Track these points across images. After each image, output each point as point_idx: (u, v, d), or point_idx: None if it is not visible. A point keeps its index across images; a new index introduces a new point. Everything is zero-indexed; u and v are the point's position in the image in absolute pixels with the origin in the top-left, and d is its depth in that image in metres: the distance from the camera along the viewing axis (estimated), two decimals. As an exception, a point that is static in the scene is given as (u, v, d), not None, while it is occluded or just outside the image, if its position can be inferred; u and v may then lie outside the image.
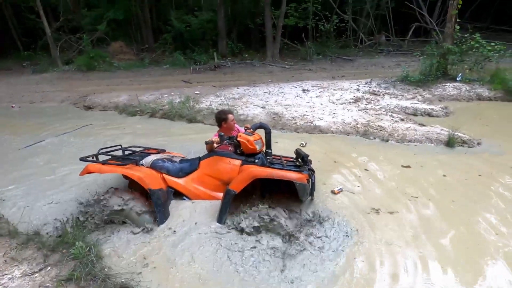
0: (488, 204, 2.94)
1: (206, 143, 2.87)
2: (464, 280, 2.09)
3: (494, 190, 3.17)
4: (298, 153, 2.95)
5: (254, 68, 12.60)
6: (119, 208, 2.61)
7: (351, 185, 3.36)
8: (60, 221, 2.75)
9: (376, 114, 5.79)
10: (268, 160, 2.88)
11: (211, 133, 5.31)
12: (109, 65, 12.85)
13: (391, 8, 16.39)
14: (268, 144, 2.98)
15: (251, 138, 2.86)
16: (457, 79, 7.50)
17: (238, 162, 2.87)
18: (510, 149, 4.17)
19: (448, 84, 7.39)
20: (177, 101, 7.19)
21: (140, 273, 2.24)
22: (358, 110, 6.07)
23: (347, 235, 2.52)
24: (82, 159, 2.84)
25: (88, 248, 2.41)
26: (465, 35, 7.37)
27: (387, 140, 4.72)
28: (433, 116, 5.87)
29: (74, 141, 5.15)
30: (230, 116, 3.24)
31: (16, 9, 16.61)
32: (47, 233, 2.73)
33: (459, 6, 7.21)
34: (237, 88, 8.42)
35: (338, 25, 15.32)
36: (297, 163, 2.91)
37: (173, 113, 6.41)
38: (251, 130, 3.07)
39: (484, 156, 4.02)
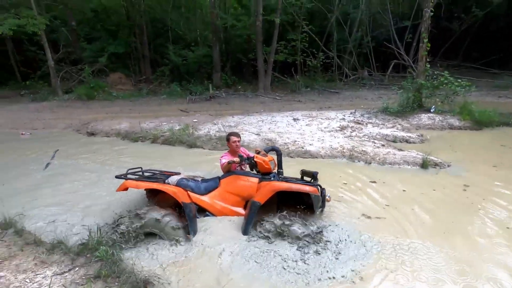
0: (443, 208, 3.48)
1: (229, 162, 3.31)
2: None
3: (447, 201, 3.75)
4: (305, 171, 3.45)
5: (247, 99, 13.40)
6: (158, 218, 2.88)
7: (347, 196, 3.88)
8: (87, 229, 3.04)
9: (360, 141, 6.43)
10: (281, 178, 3.33)
11: (211, 157, 5.82)
12: (108, 94, 13.43)
13: (372, 47, 17.99)
14: (280, 165, 3.43)
15: (266, 159, 3.29)
16: (431, 110, 8.36)
17: (255, 179, 3.29)
18: (472, 170, 4.80)
19: (424, 115, 8.22)
20: (176, 128, 7.69)
21: (166, 273, 2.55)
22: (344, 137, 6.71)
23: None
24: (117, 177, 3.22)
25: (112, 251, 2.76)
26: (436, 72, 8.35)
27: (370, 163, 5.30)
28: (410, 143, 6.55)
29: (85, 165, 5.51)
30: (231, 137, 3.65)
31: (17, 41, 17.36)
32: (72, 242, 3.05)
33: (428, 48, 8.25)
34: (233, 117, 9.04)
35: (324, 61, 16.61)
36: (308, 179, 3.38)
37: (174, 139, 6.89)
38: (265, 152, 3.50)
39: (449, 176, 4.65)
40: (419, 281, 2.43)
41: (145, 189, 3.45)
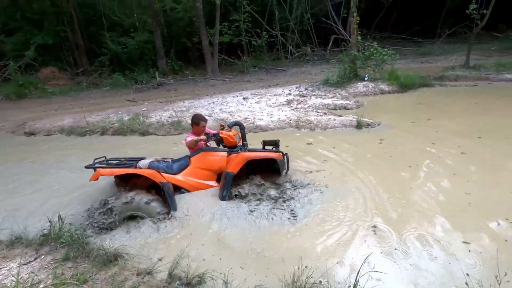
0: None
1: (196, 141, 3.50)
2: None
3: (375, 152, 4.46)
4: (266, 141, 3.80)
5: (196, 83, 13.30)
6: (128, 200, 3.04)
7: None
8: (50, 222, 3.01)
9: (305, 111, 6.99)
10: (246, 150, 3.59)
11: (165, 143, 5.92)
12: (43, 91, 12.27)
13: (313, 24, 18.76)
14: (244, 137, 3.69)
15: (231, 133, 3.52)
16: (365, 79, 9.27)
17: (224, 153, 3.55)
18: (397, 126, 5.65)
19: (359, 83, 9.11)
20: (125, 118, 7.51)
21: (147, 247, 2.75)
22: (291, 110, 7.22)
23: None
24: (87, 167, 3.31)
25: (77, 235, 2.87)
26: (366, 44, 9.21)
27: (314, 129, 5.88)
28: (348, 109, 7.31)
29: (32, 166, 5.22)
30: (202, 123, 3.79)
31: None
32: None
33: (357, 22, 9.03)
34: (183, 102, 9.03)
35: (268, 40, 16.95)
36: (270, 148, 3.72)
37: (124, 129, 6.76)
38: (228, 127, 3.70)
39: (377, 132, 5.45)
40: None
41: (115, 176, 3.53)
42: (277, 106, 7.58)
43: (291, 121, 6.28)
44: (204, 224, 3.02)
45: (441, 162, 4.00)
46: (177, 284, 2.27)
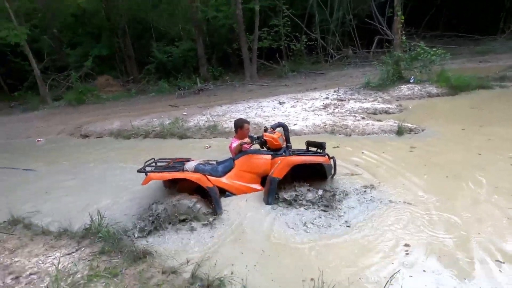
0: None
1: (240, 144, 3.50)
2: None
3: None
4: (310, 142, 3.66)
5: (235, 88, 13.61)
6: (191, 205, 3.08)
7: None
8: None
9: (341, 116, 6.73)
10: (290, 152, 3.52)
11: (201, 145, 6.12)
12: (98, 98, 13.58)
13: (355, 25, 18.11)
14: (288, 139, 3.64)
15: (275, 136, 3.46)
16: (410, 81, 8.65)
17: (268, 156, 3.48)
18: (444, 133, 5.15)
19: (403, 86, 8.52)
20: (166, 122, 7.95)
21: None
22: (327, 114, 7.01)
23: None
24: (139, 171, 3.34)
25: (113, 231, 3.08)
26: (412, 44, 8.61)
27: (350, 135, 5.63)
28: (390, 113, 6.87)
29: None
30: (245, 125, 3.80)
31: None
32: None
33: (402, 21, 8.48)
34: (221, 106, 9.28)
35: (307, 43, 16.74)
36: (312, 151, 3.59)
37: (165, 133, 7.16)
38: (272, 129, 3.66)
39: (420, 139, 5.02)
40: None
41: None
42: (312, 111, 7.41)
43: (326, 126, 6.09)
44: (246, 229, 2.97)
45: (486, 173, 3.54)
46: (198, 285, 2.31)
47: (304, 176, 3.46)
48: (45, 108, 13.31)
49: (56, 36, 16.13)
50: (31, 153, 7.16)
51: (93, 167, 5.48)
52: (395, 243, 2.58)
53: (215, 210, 3.19)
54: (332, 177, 3.58)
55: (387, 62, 8.95)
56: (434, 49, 8.34)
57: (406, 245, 2.54)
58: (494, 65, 11.53)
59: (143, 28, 18.28)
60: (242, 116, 7.71)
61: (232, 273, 2.41)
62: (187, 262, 2.63)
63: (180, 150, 6.02)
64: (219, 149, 5.49)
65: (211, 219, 3.12)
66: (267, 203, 3.22)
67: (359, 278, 2.24)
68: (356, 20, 18.07)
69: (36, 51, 17.00)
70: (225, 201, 3.35)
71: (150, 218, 3.15)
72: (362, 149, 4.68)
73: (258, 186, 3.51)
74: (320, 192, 3.27)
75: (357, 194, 3.35)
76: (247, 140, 3.48)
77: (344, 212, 3.07)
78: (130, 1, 15.93)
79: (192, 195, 3.27)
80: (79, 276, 2.52)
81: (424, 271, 2.26)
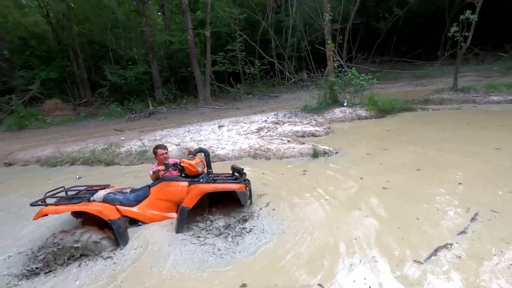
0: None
1: (154, 172, 3.41)
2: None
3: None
4: (234, 168, 3.65)
5: (187, 111, 13.61)
6: (75, 243, 2.82)
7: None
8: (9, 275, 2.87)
9: (270, 139, 6.88)
10: (211, 178, 3.48)
11: (125, 171, 5.96)
12: (42, 122, 13.00)
13: (310, 50, 19.12)
14: (209, 165, 3.57)
15: (192, 162, 3.36)
16: (344, 104, 9.12)
17: (185, 183, 3.36)
18: (352, 154, 5.41)
19: (337, 109, 8.95)
20: (100, 148, 7.70)
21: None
22: (257, 138, 7.13)
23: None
24: (32, 204, 3.00)
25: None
26: (343, 70, 9.15)
27: (270, 158, 5.74)
28: (316, 136, 7.13)
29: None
30: (159, 151, 3.70)
31: None
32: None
33: (333, 49, 9.06)
34: (162, 131, 9.18)
35: (261, 68, 17.36)
36: (235, 176, 3.58)
37: (92, 159, 6.91)
38: (192, 155, 3.59)
39: (328, 161, 5.23)
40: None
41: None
42: (245, 134, 7.52)
43: (251, 150, 6.18)
44: (153, 260, 2.83)
45: (359, 197, 3.71)
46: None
47: (224, 201, 3.47)
48: (-18, 134, 12.49)
49: (7, 59, 15.52)
50: None
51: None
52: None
53: (119, 242, 3.01)
54: (251, 202, 3.58)
55: (322, 86, 9.41)
56: (363, 75, 8.91)
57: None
58: (428, 88, 12.49)
59: (99, 51, 18.09)
60: (177, 141, 7.67)
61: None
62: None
63: (104, 177, 5.82)
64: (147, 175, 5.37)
65: (111, 254, 2.92)
66: (177, 231, 3.14)
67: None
68: (310, 46, 19.13)
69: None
70: (133, 231, 3.18)
71: (51, 257, 2.86)
72: (263, 172, 4.78)
73: (174, 215, 3.36)
74: (232, 220, 3.30)
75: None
76: (161, 167, 3.40)
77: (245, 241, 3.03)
78: (84, 25, 15.79)
79: (100, 228, 3.06)
80: None
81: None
